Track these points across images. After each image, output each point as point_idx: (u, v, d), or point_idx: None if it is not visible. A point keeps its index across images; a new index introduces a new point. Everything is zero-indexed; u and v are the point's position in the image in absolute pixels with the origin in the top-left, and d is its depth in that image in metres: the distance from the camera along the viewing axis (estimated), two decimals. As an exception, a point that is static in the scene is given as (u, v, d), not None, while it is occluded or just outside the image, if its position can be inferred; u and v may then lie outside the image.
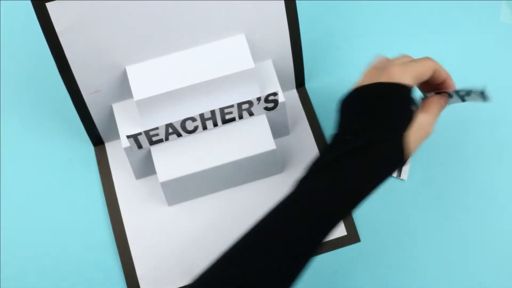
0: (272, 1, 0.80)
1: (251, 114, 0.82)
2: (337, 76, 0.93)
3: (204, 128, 0.82)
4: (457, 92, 0.69)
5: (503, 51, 0.94)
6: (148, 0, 0.76)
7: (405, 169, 0.86)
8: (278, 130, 0.87)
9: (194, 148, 0.82)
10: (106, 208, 0.87)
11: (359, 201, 0.64)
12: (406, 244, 0.83)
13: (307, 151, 0.88)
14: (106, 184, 0.88)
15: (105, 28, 0.76)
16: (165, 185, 0.82)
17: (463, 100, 0.70)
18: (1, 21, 0.99)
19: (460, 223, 0.83)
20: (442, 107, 0.70)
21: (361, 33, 0.96)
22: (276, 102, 0.82)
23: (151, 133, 0.80)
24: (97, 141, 0.89)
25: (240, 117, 0.82)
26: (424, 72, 0.68)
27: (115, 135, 0.89)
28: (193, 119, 0.80)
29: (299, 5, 0.82)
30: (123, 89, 0.82)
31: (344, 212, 0.64)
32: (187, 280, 0.79)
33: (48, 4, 0.73)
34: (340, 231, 0.83)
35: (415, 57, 0.71)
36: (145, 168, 0.86)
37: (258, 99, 0.81)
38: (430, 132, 0.68)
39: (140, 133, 0.79)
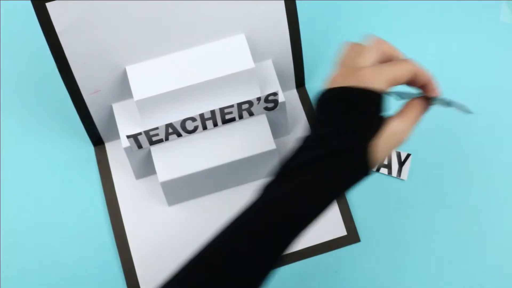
0: (272, 1, 0.80)
1: (251, 114, 0.82)
2: (337, 76, 0.93)
3: (204, 128, 0.82)
4: (440, 99, 0.66)
5: (503, 51, 0.94)
6: (148, 0, 0.76)
7: (405, 169, 0.86)
8: (278, 130, 0.87)
9: (194, 148, 0.82)
10: (106, 208, 0.87)
11: (324, 208, 0.62)
12: (406, 244, 0.83)
13: (307, 151, 0.88)
14: (106, 184, 0.88)
15: (105, 28, 0.76)
16: (165, 185, 0.82)
17: (448, 105, 0.66)
18: (1, 21, 0.99)
19: (460, 223, 0.83)
20: (422, 113, 0.65)
21: (361, 33, 0.96)
22: (276, 102, 0.82)
23: (151, 133, 0.80)
24: (97, 141, 0.89)
25: (240, 117, 0.82)
26: (399, 76, 0.64)
27: (115, 135, 0.89)
28: (193, 119, 0.80)
29: (299, 5, 0.82)
30: (123, 89, 0.82)
31: (308, 220, 0.62)
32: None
33: (48, 4, 0.73)
34: (340, 231, 0.83)
35: (415, 58, 0.70)
36: (145, 168, 0.86)
37: (258, 99, 0.80)
38: (404, 139, 0.64)
39: (140, 133, 0.79)
